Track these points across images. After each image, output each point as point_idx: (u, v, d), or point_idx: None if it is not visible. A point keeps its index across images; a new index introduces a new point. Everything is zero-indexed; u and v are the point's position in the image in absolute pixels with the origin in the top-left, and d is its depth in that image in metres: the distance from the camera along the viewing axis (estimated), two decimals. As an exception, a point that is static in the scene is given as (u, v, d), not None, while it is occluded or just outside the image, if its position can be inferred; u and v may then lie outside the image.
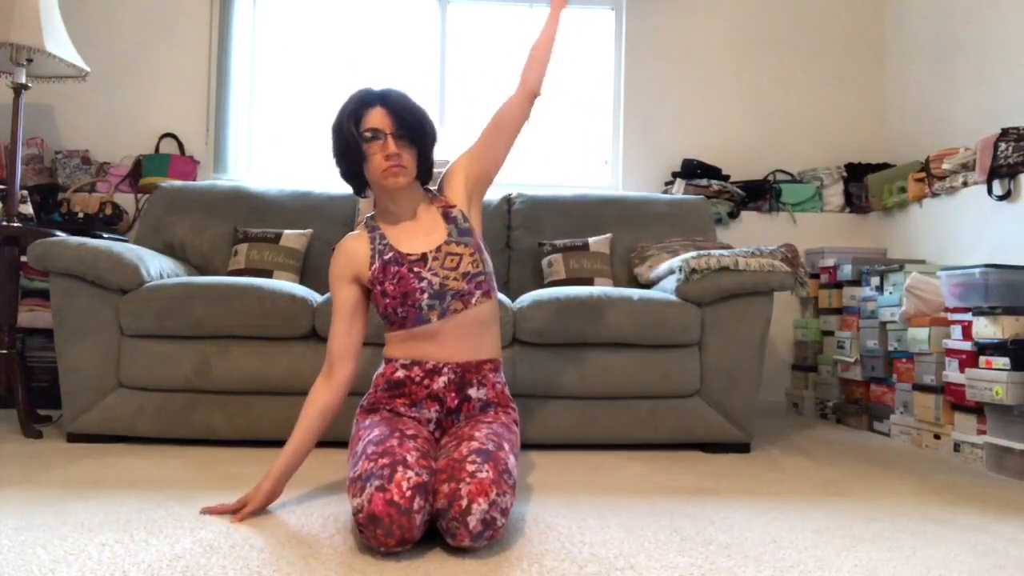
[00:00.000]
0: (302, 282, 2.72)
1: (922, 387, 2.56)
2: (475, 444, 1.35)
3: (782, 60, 3.84)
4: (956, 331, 2.38)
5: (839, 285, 3.23)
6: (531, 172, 3.79)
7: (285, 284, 2.37)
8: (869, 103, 3.84)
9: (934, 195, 3.13)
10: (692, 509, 1.62)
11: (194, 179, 3.50)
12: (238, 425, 2.24)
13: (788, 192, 3.65)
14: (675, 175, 3.67)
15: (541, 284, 2.82)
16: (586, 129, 3.90)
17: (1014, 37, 2.89)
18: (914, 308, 2.64)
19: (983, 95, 3.06)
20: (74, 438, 2.25)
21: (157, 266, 2.40)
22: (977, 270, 2.36)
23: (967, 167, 2.91)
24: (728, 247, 2.62)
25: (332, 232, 2.83)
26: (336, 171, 1.62)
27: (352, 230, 1.76)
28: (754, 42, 3.84)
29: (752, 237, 3.50)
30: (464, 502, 1.22)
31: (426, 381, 1.54)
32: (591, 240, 2.88)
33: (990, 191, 2.71)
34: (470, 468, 1.27)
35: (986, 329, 2.22)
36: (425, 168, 1.61)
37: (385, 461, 1.28)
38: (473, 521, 1.21)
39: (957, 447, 2.36)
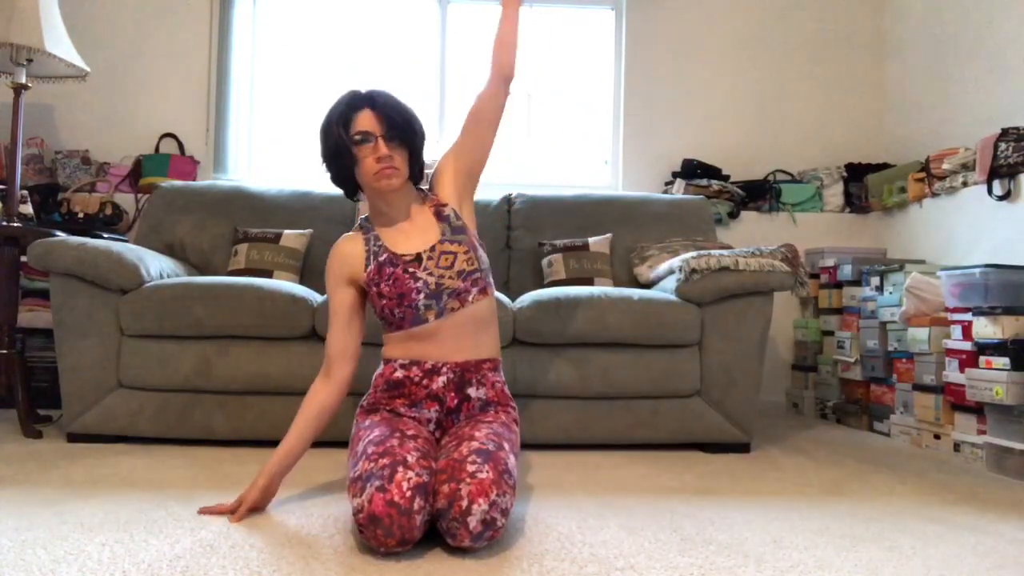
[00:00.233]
0: (302, 282, 2.72)
1: (922, 387, 2.56)
2: (475, 444, 1.35)
3: (782, 60, 3.84)
4: (956, 331, 2.38)
5: (839, 285, 3.23)
6: (531, 172, 3.80)
7: (285, 284, 2.37)
8: (869, 103, 3.84)
9: (934, 195, 3.13)
10: (692, 509, 1.62)
11: (194, 179, 3.51)
12: (238, 425, 2.24)
13: (788, 192, 3.65)
14: (675, 175, 3.68)
15: (541, 284, 2.82)
16: (586, 129, 3.90)
17: (1014, 37, 2.89)
18: (914, 308, 2.64)
19: (983, 95, 3.06)
20: (74, 438, 2.25)
21: (157, 266, 2.40)
22: (977, 270, 2.36)
23: (967, 167, 2.91)
24: (728, 247, 2.61)
25: (332, 232, 2.80)
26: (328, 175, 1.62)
27: (352, 230, 1.76)
28: (754, 42, 3.84)
29: (752, 237, 3.50)
30: (464, 502, 1.22)
31: (425, 381, 1.54)
32: (591, 240, 2.88)
33: (990, 191, 2.72)
34: (470, 468, 1.27)
35: (986, 329, 2.22)
36: (417, 168, 1.61)
37: (385, 461, 1.28)
38: (473, 521, 1.21)
39: (957, 447, 2.36)
